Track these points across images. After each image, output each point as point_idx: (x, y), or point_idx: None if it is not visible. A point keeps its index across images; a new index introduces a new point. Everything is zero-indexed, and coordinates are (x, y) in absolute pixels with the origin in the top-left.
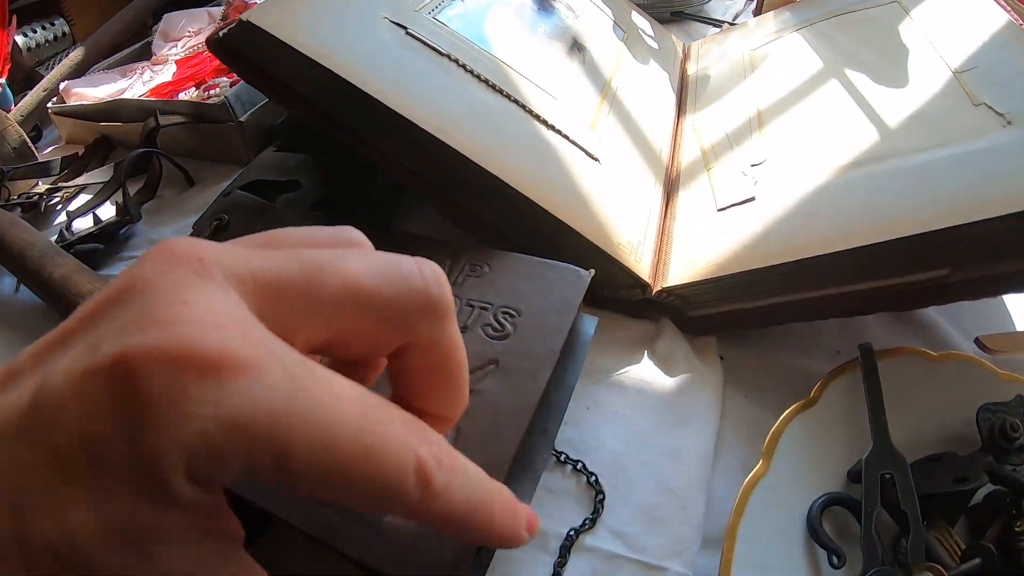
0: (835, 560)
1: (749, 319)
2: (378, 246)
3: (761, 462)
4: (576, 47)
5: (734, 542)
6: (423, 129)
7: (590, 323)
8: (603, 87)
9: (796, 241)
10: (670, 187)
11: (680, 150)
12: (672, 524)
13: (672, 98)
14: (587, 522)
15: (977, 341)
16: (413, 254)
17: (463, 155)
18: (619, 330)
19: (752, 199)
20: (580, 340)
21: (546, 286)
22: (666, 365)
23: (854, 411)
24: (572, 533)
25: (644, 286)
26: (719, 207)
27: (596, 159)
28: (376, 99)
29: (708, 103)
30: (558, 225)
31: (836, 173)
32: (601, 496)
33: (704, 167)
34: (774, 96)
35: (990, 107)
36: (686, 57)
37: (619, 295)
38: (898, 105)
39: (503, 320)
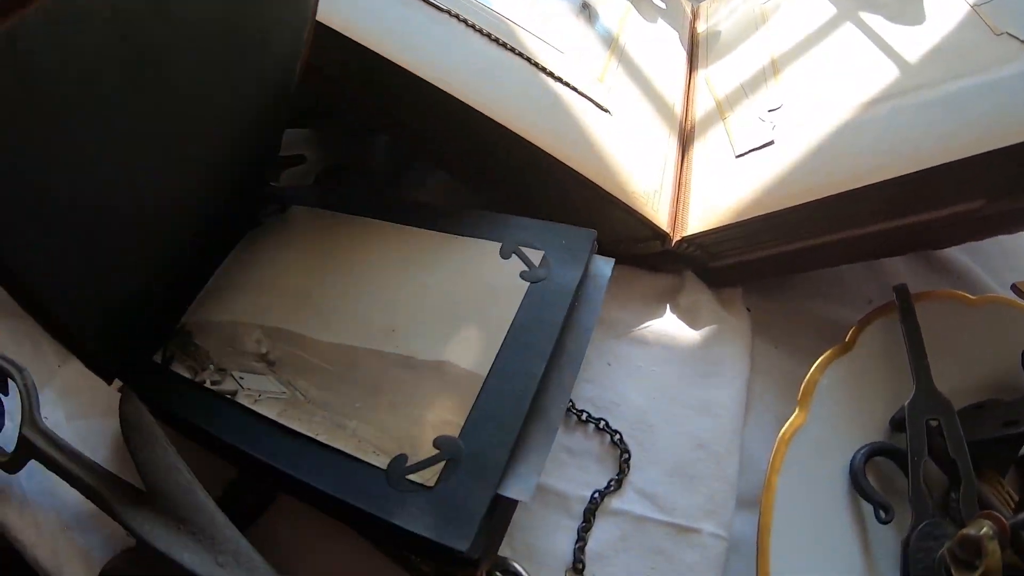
0: (882, 514)
1: (775, 266)
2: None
3: (797, 411)
4: (584, 7)
5: (772, 498)
6: (426, 82)
7: (605, 264)
8: (611, 43)
9: (821, 179)
10: (685, 140)
11: (693, 104)
12: (705, 482)
13: (683, 55)
14: (612, 483)
15: (1014, 287)
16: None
17: (468, 106)
18: (639, 284)
19: (771, 143)
20: (595, 282)
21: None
22: (690, 318)
23: (892, 356)
24: (596, 496)
25: (663, 237)
26: (737, 153)
27: (606, 110)
28: (379, 55)
29: (720, 57)
30: (570, 176)
31: (858, 110)
32: (626, 455)
33: (719, 117)
34: (788, 44)
35: (1013, 36)
36: (695, 17)
37: (637, 249)
38: (917, 42)
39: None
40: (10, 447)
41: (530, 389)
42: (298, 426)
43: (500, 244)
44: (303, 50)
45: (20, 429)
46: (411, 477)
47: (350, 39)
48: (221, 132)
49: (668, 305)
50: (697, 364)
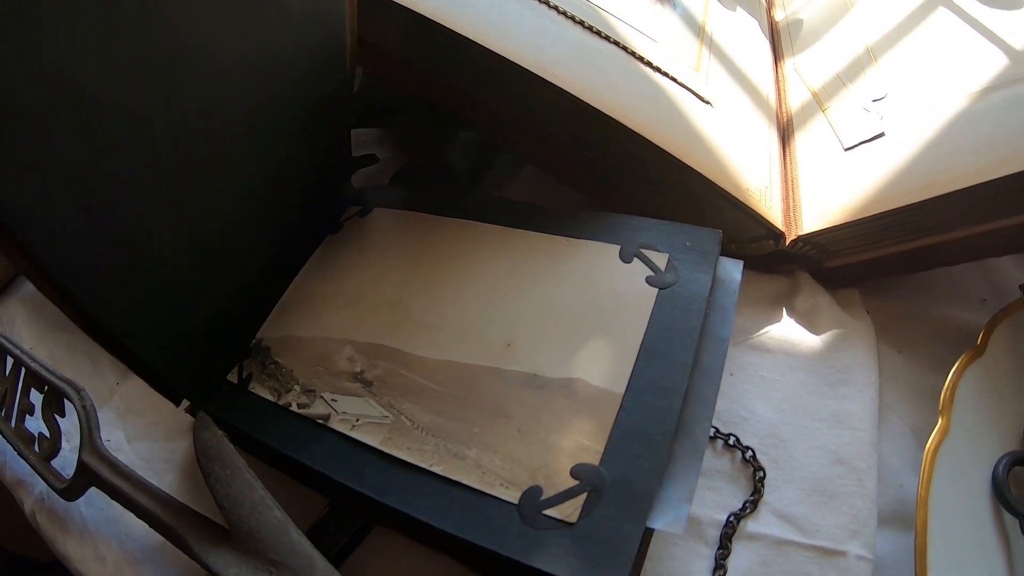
0: None
1: (894, 265)
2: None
3: (940, 420)
4: None
5: (927, 516)
6: (524, 68)
7: (734, 267)
8: (698, 31)
9: (943, 173)
10: (784, 133)
11: (786, 95)
12: (846, 500)
13: (766, 44)
14: (747, 505)
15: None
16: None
17: (572, 96)
18: (752, 287)
19: (882, 135)
20: (725, 287)
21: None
22: (809, 322)
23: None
24: (732, 519)
25: (778, 235)
26: (846, 146)
27: (707, 102)
28: (472, 41)
29: (806, 46)
30: (681, 170)
31: (972, 99)
32: (761, 473)
33: (819, 108)
34: (880, 31)
35: None
36: (771, 5)
37: (749, 249)
38: (1020, 27)
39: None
40: (67, 471)
41: (675, 406)
42: (407, 455)
43: (619, 247)
44: (348, 36)
45: (80, 454)
46: (548, 512)
47: (441, 26)
48: (274, 133)
49: (784, 309)
50: (823, 372)
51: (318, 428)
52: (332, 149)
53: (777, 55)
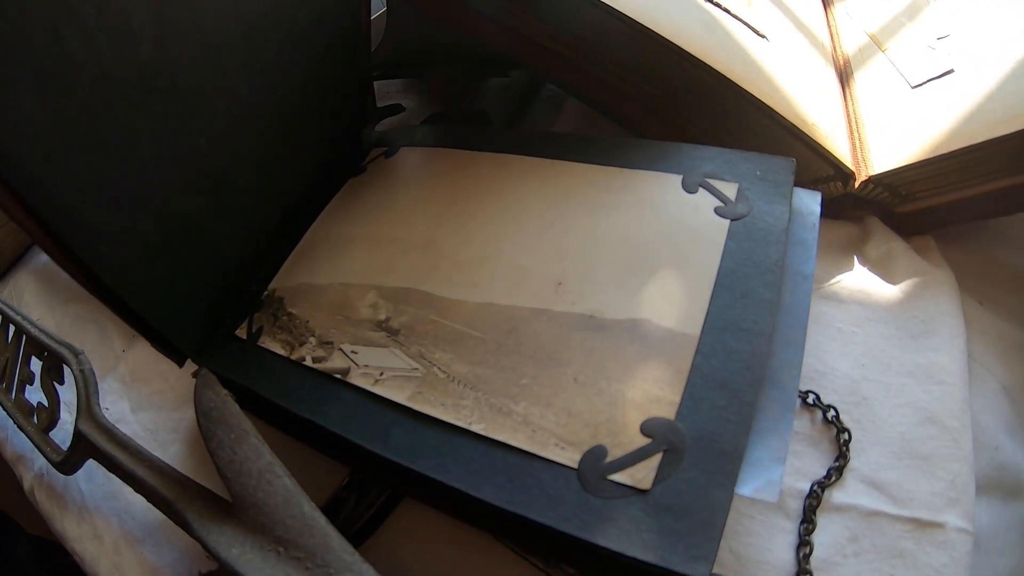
0: None
1: (973, 210)
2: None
3: None
4: None
5: None
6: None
7: (811, 199)
8: None
9: None
10: (841, 74)
11: (840, 39)
12: (941, 463)
13: None
14: (832, 472)
15: None
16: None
17: (625, 16)
18: (820, 233)
19: (951, 71)
20: (803, 220)
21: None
22: (884, 270)
23: None
24: (816, 488)
25: (847, 176)
26: (914, 84)
27: (763, 36)
28: None
29: None
30: (746, 103)
31: None
32: (846, 435)
33: (878, 49)
34: None
35: None
36: None
37: (816, 191)
38: None
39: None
40: (66, 444)
41: (762, 350)
42: (441, 413)
43: (681, 176)
44: None
45: (76, 423)
46: (615, 477)
47: None
48: (283, 71)
49: (856, 257)
50: (904, 323)
51: (336, 384)
52: (351, 95)
53: (826, 2)
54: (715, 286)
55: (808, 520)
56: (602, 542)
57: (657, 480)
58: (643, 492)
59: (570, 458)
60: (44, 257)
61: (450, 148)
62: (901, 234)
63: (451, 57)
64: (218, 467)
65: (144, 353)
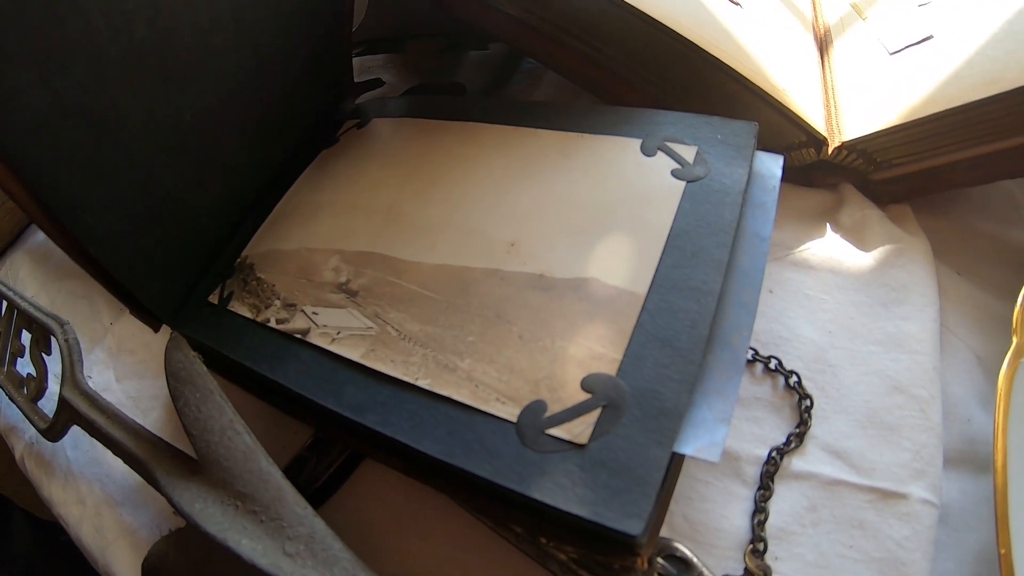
0: None
1: (950, 178)
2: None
3: (1015, 340)
4: None
5: (1006, 450)
6: None
7: (773, 162)
8: None
9: (1007, 69)
10: (821, 44)
11: (820, 8)
12: (907, 433)
13: None
14: (792, 439)
15: None
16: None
17: None
18: (792, 201)
19: (930, 37)
20: (763, 183)
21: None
22: (858, 238)
23: None
24: (775, 455)
25: (819, 142)
26: (892, 51)
27: (737, 3)
28: None
29: None
30: (706, 64)
31: None
32: (808, 402)
33: (858, 16)
34: None
35: None
36: None
37: (789, 159)
38: None
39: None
40: (53, 412)
41: (708, 307)
42: (390, 369)
43: (641, 140)
44: None
45: (61, 390)
46: (553, 431)
47: None
48: (270, 47)
49: (829, 224)
50: (875, 290)
51: (295, 344)
52: (331, 70)
53: None
54: (666, 246)
55: (765, 487)
56: (536, 495)
57: (595, 435)
58: (580, 447)
59: (510, 413)
60: (39, 237)
61: (419, 118)
62: (877, 203)
63: (431, 32)
64: (184, 425)
65: (130, 325)
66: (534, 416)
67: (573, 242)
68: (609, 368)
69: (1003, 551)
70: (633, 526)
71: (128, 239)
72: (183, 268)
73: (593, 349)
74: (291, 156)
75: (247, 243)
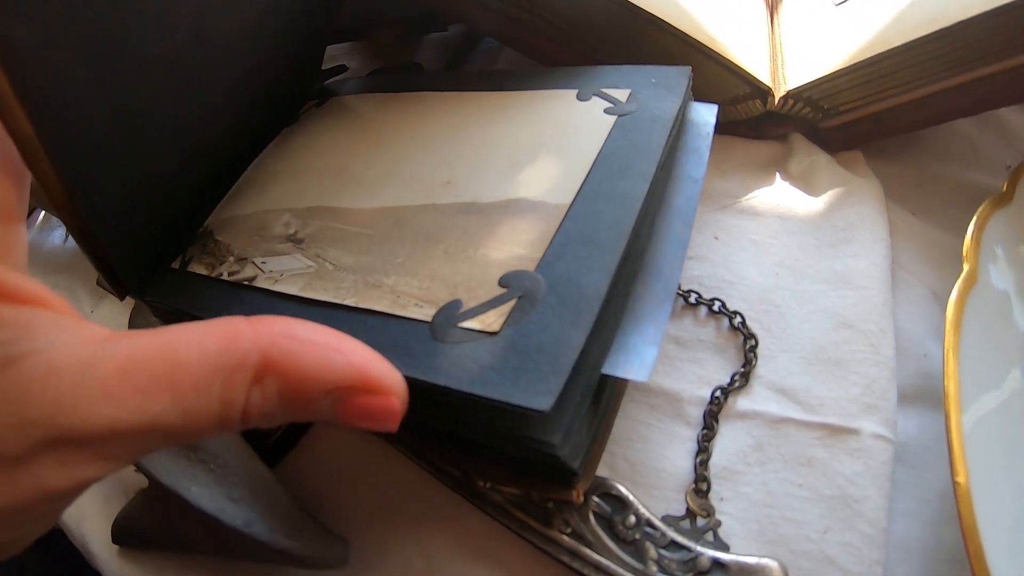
0: None
1: (900, 120)
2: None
3: (965, 267)
4: None
5: (955, 380)
6: None
7: (708, 111)
8: None
9: (953, 4)
10: (771, 5)
11: None
12: (857, 368)
13: None
14: (737, 378)
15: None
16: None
17: None
18: (740, 153)
19: None
20: (698, 129)
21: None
22: (807, 184)
23: None
24: (719, 395)
25: (765, 92)
26: (837, 2)
27: None
28: None
29: None
30: (654, 26)
31: None
32: (752, 342)
33: None
34: None
35: None
36: None
37: (735, 113)
38: None
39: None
40: None
41: (631, 210)
42: (323, 295)
43: (577, 90)
44: None
45: None
46: (465, 324)
47: None
48: (272, 38)
49: (778, 173)
50: (823, 232)
51: (243, 290)
52: (310, 59)
53: None
54: (593, 165)
55: (708, 427)
56: (442, 381)
57: (507, 324)
58: (492, 335)
59: (426, 314)
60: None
61: (372, 93)
62: (828, 150)
63: (392, 19)
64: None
65: (108, 311)
66: (448, 314)
67: (504, 173)
68: (528, 266)
69: (959, 479)
70: (541, 401)
71: (115, 214)
72: (154, 241)
73: (513, 252)
74: (260, 138)
75: (208, 215)
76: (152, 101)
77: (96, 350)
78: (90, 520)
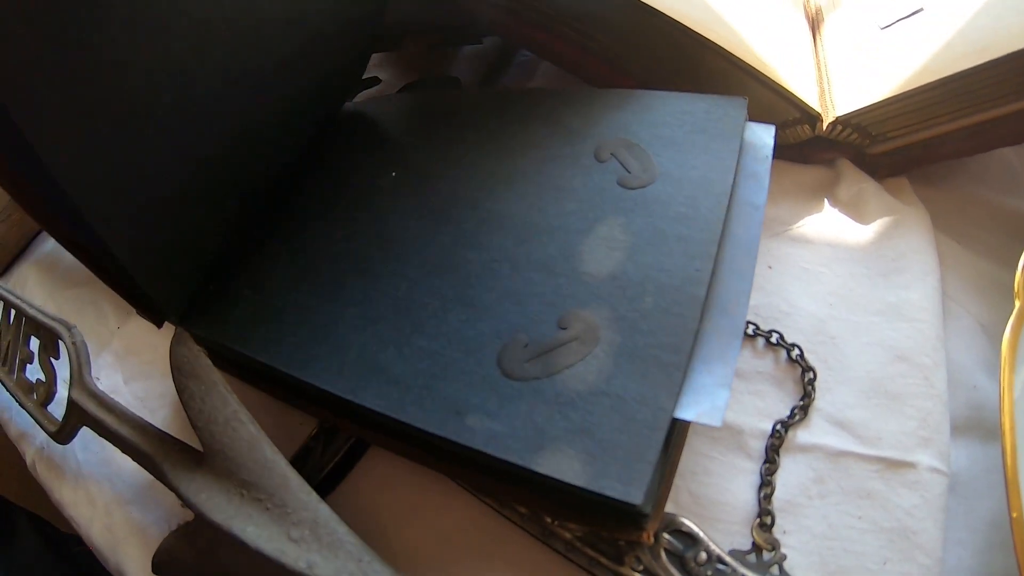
0: None
1: (947, 148)
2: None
3: (1017, 304)
4: None
5: (1013, 415)
6: None
7: (765, 132)
8: None
9: (998, 35)
10: (813, 23)
11: None
12: (912, 401)
13: None
14: (796, 412)
15: None
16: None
17: None
18: (788, 178)
19: (920, 10)
20: (756, 153)
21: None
22: (855, 211)
23: None
24: (779, 428)
25: (814, 118)
26: (882, 25)
27: None
28: None
29: None
30: (694, 44)
31: None
32: (811, 374)
33: None
34: None
35: None
36: None
37: (782, 136)
38: None
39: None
40: (62, 415)
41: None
42: None
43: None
44: None
45: (69, 393)
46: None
47: None
48: (307, 64)
49: (826, 199)
50: (874, 262)
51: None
52: (349, 75)
53: None
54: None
55: (770, 460)
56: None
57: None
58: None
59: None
60: (45, 248)
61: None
62: (875, 176)
63: (424, 28)
64: (190, 418)
65: (136, 328)
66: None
67: None
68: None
69: (1015, 514)
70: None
71: (152, 242)
72: (194, 267)
73: None
74: (297, 148)
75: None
76: (173, 133)
77: None
78: (125, 545)
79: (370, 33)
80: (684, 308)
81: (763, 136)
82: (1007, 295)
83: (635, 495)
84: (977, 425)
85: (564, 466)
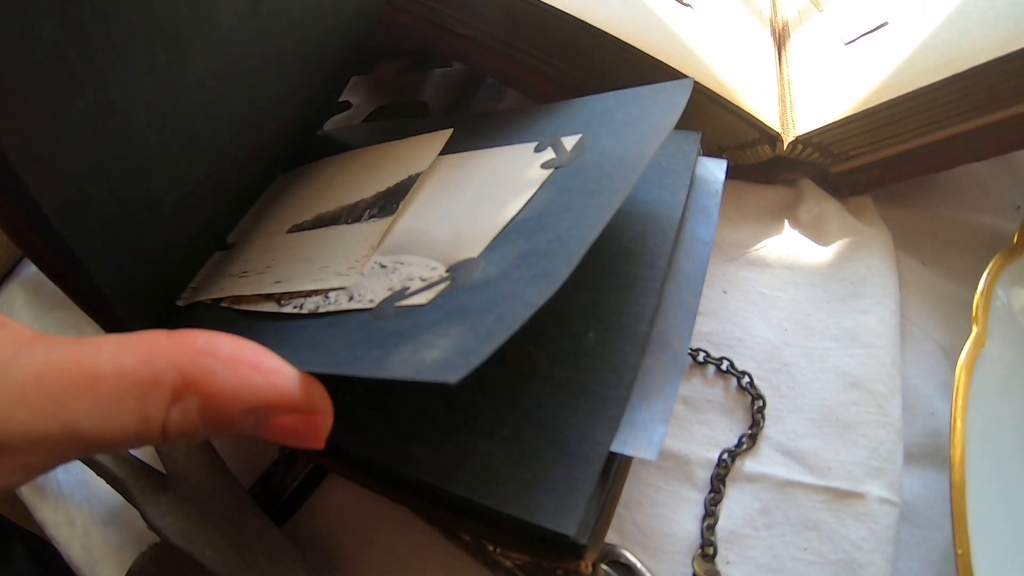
0: None
1: (911, 165)
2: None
3: (974, 330)
4: None
5: (962, 446)
6: None
7: (716, 166)
8: None
9: (961, 49)
10: (779, 40)
11: (779, 4)
12: (864, 430)
13: None
14: (744, 440)
15: None
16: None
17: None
18: (749, 199)
19: (885, 23)
20: (707, 188)
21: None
22: (816, 233)
23: None
24: (726, 457)
25: (773, 138)
26: (847, 40)
27: (687, 4)
28: None
29: None
30: (656, 71)
31: None
32: (760, 402)
33: (815, 8)
34: None
35: None
36: None
37: (744, 157)
38: None
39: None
40: None
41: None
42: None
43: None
44: None
45: None
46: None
47: None
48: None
49: (787, 221)
50: (833, 286)
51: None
52: (327, 101)
53: None
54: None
55: (716, 490)
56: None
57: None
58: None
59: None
60: (32, 270)
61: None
62: (838, 195)
63: (394, 53)
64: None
65: None
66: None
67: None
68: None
69: (960, 551)
70: (567, 526)
71: (135, 268)
72: (165, 295)
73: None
74: (261, 184)
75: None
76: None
77: (14, 353)
78: (103, 565)
79: (356, 66)
80: (626, 344)
81: (715, 171)
82: (969, 318)
83: (568, 526)
84: (934, 453)
85: (503, 497)
